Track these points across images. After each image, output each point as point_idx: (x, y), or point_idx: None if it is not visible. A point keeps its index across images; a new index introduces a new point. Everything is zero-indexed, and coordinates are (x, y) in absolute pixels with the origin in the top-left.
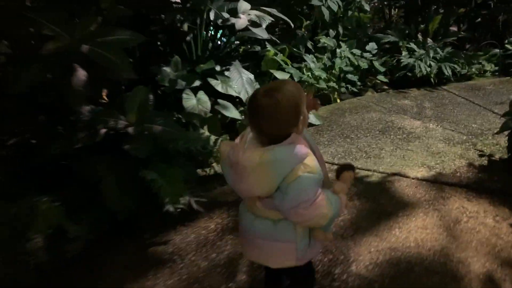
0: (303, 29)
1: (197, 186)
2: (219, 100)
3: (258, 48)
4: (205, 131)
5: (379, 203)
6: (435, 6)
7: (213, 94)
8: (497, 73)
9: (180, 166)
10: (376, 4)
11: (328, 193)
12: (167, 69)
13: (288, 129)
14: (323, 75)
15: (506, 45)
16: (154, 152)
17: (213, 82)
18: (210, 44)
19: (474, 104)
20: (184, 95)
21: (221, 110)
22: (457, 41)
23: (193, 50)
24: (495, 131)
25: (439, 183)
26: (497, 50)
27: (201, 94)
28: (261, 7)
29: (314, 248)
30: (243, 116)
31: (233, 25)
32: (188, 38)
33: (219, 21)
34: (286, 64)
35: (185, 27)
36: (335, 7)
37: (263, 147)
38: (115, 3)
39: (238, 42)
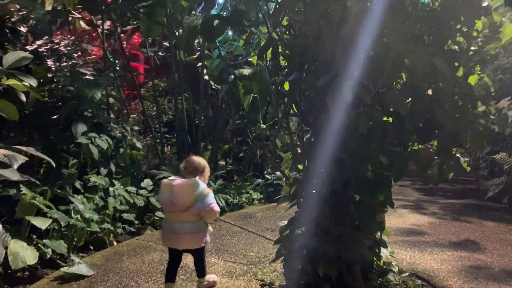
0: (69, 169)
1: None
2: None
3: (13, 191)
4: None
5: None
6: (204, 143)
7: None
8: (263, 201)
9: None
10: (149, 141)
11: None
12: None
13: (200, 172)
14: (95, 216)
15: (266, 176)
16: None
17: None
18: None
19: (248, 232)
20: None
21: None
22: (226, 173)
23: None
24: (271, 258)
25: None
26: (260, 180)
27: None
28: (14, 146)
29: (207, 237)
30: None
31: None
32: None
33: None
34: (50, 208)
35: None
36: (104, 145)
37: (188, 179)
38: None
39: None
